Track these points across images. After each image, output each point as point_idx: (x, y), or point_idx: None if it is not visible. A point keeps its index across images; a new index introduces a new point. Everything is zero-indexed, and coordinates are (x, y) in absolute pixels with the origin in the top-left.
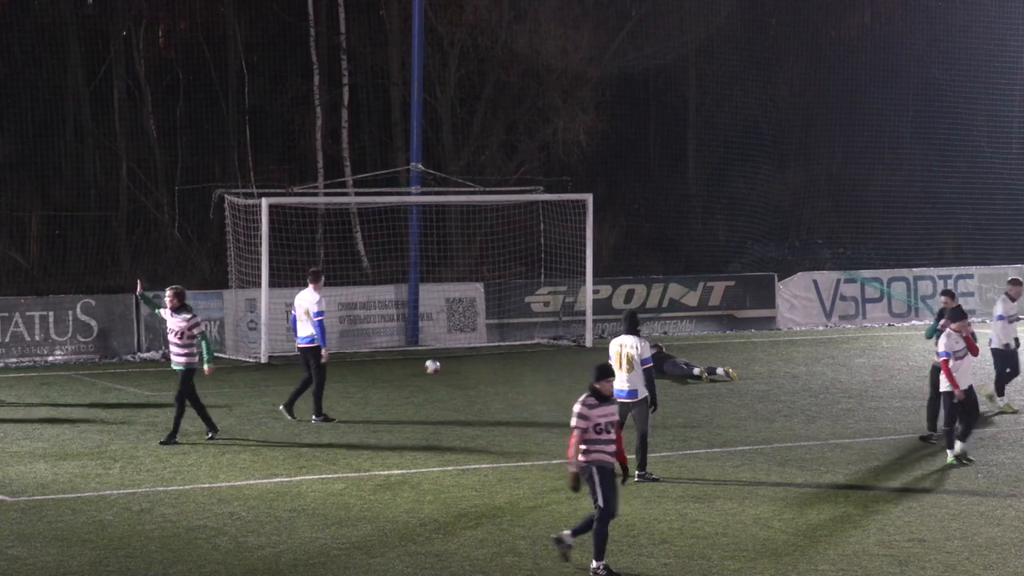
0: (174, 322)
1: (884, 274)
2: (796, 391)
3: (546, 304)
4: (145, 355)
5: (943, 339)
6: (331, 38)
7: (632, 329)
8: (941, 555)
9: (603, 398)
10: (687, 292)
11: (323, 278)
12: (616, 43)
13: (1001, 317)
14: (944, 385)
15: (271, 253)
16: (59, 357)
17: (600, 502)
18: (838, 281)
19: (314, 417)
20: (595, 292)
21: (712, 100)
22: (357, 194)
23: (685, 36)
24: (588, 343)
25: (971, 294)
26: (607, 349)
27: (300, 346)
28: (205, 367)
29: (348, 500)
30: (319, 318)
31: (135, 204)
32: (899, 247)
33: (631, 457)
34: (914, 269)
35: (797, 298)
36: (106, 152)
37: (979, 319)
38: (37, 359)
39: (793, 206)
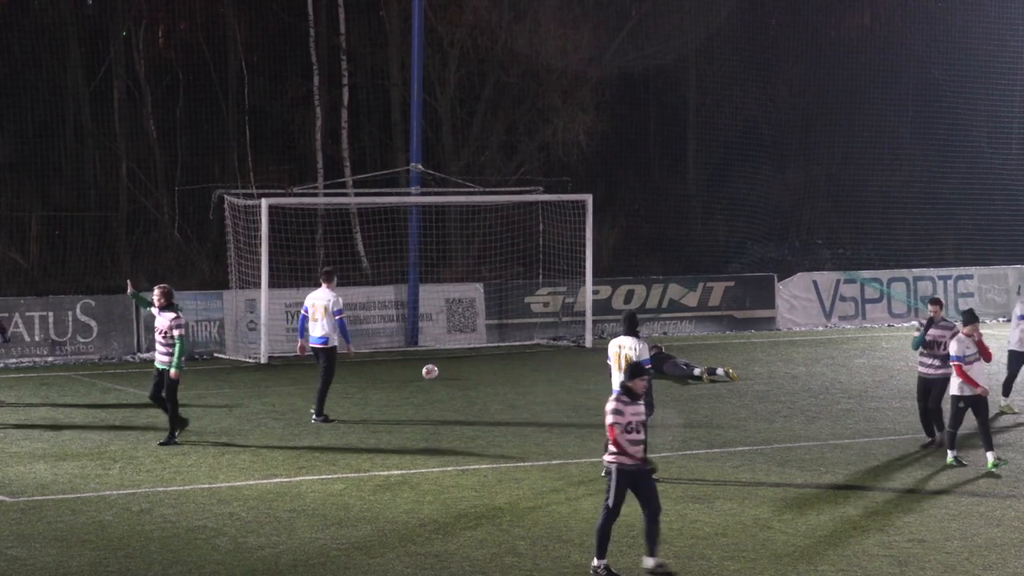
0: (160, 321)
1: (884, 275)
2: (796, 391)
3: (546, 305)
4: (145, 356)
5: (954, 343)
6: (331, 38)
7: (631, 330)
8: (941, 555)
9: (635, 396)
10: (687, 293)
11: (336, 277)
12: (616, 43)
13: (1022, 318)
14: (955, 388)
15: (271, 254)
16: (59, 358)
17: (610, 502)
18: (838, 282)
19: (314, 416)
20: (595, 293)
21: (712, 100)
22: (357, 194)
23: (685, 36)
24: (588, 344)
25: (971, 295)
26: (607, 349)
27: (313, 346)
28: (172, 371)
29: (348, 500)
30: (340, 316)
31: (135, 204)
32: (899, 248)
33: None
34: (914, 270)
35: (797, 298)
36: (106, 152)
37: (979, 320)
38: (37, 360)
39: (793, 206)
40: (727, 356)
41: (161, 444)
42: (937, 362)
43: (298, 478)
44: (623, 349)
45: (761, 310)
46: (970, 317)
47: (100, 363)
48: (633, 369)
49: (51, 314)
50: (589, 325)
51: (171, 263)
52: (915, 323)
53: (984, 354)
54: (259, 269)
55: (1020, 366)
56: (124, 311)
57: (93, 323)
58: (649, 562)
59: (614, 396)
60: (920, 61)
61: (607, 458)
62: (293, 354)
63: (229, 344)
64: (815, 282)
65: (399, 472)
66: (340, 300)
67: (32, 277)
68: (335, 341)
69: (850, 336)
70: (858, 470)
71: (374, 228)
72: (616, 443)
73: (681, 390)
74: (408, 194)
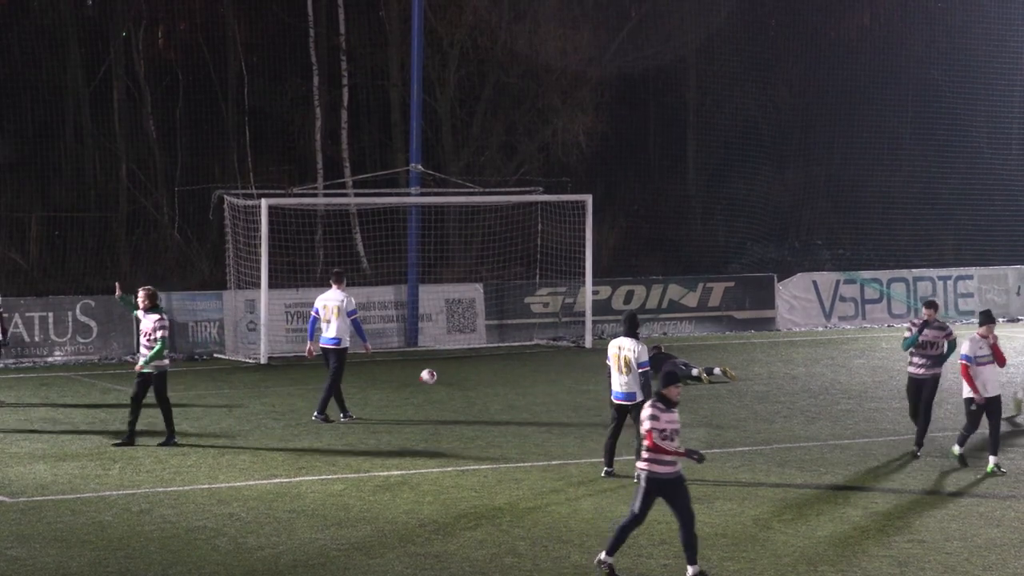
0: (145, 323)
1: (883, 275)
2: (795, 392)
3: (546, 305)
4: None
5: (966, 343)
6: (331, 39)
7: (632, 331)
8: (940, 556)
9: (670, 404)
10: (687, 293)
11: (345, 278)
12: (616, 44)
13: None
14: (967, 390)
15: (270, 254)
16: (59, 358)
17: (635, 508)
18: (837, 282)
19: (316, 414)
20: (594, 293)
21: (712, 101)
22: (356, 195)
23: (685, 37)
24: (587, 344)
25: (971, 295)
26: (607, 350)
27: (324, 346)
28: (142, 361)
29: (347, 501)
30: (354, 316)
31: (135, 205)
32: (898, 248)
33: (629, 458)
34: (913, 270)
35: (797, 299)
36: (106, 153)
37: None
38: (37, 360)
39: (792, 207)
40: (727, 356)
41: (160, 445)
42: (929, 362)
43: (298, 479)
44: (622, 351)
45: (761, 310)
46: (986, 318)
47: (100, 363)
48: (668, 376)
49: (51, 314)
50: (589, 325)
51: (171, 263)
52: (907, 324)
53: (998, 358)
54: (259, 269)
55: None
56: (123, 312)
57: (93, 323)
58: (690, 571)
59: (650, 403)
60: (920, 62)
61: (639, 464)
62: (293, 354)
63: (229, 344)
64: (815, 282)
65: (399, 472)
66: (352, 300)
67: (32, 277)
68: (347, 342)
69: (850, 336)
70: (858, 470)
71: (374, 228)
72: (655, 448)
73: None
74: (408, 194)
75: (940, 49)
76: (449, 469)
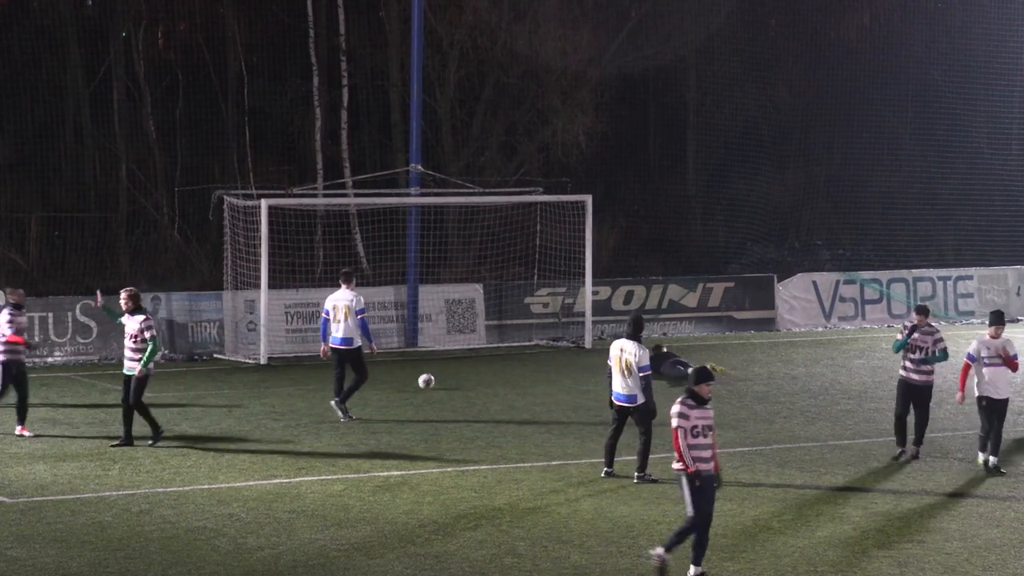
0: (130, 325)
1: (883, 275)
2: (795, 392)
3: (545, 305)
4: None
5: (973, 343)
6: (331, 39)
7: (635, 334)
8: (940, 556)
9: (701, 401)
10: (687, 293)
11: (355, 278)
12: (616, 44)
13: None
14: (981, 389)
15: (270, 254)
16: (58, 358)
17: (690, 511)
18: (837, 282)
19: (336, 399)
20: (594, 293)
21: (712, 101)
22: (356, 195)
23: (685, 37)
24: (587, 344)
25: (970, 295)
26: (606, 350)
27: (334, 347)
28: (139, 367)
29: (347, 501)
30: (362, 315)
31: (134, 205)
32: (898, 248)
33: (630, 459)
34: (913, 270)
35: (796, 299)
36: (105, 153)
37: (979, 320)
38: (36, 360)
39: (792, 207)
40: (727, 357)
41: (150, 445)
42: (921, 366)
43: (298, 479)
44: (624, 353)
45: (761, 311)
46: (996, 318)
47: (100, 364)
48: (700, 373)
49: (51, 315)
50: (589, 326)
51: (171, 264)
52: (902, 325)
53: (1009, 364)
54: (258, 270)
55: None
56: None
57: (93, 324)
58: (692, 571)
59: (680, 400)
60: (919, 62)
61: (675, 465)
62: (293, 355)
63: (228, 345)
64: (815, 283)
65: (399, 473)
66: (362, 299)
67: (32, 278)
68: (359, 341)
69: (849, 337)
70: (858, 471)
71: (374, 229)
72: (677, 449)
73: (680, 392)
74: (408, 195)
75: (940, 49)
76: (449, 469)
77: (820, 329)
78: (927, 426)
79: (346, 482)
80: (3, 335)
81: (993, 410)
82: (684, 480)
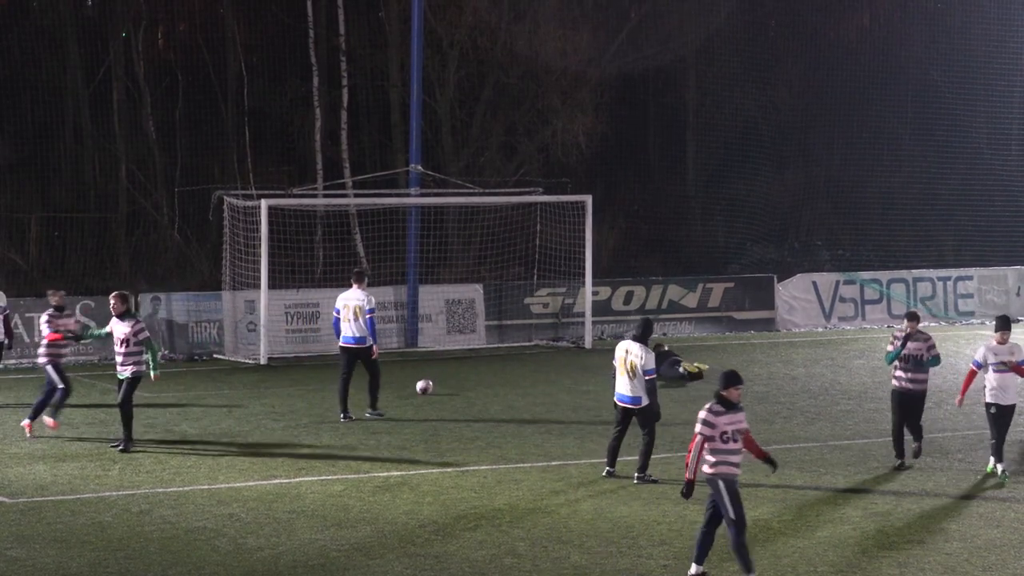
0: (120, 329)
1: (883, 275)
2: (795, 392)
3: (545, 306)
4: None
5: (980, 349)
6: (330, 40)
7: (643, 337)
8: (940, 556)
9: (730, 405)
10: (686, 293)
11: (367, 277)
12: (615, 44)
13: None
14: (988, 395)
15: (270, 255)
16: None
17: (732, 514)
18: (837, 283)
19: (369, 411)
20: (594, 294)
21: (711, 102)
22: (356, 195)
23: (684, 38)
24: (587, 345)
25: (970, 296)
26: (606, 351)
27: (346, 346)
28: (152, 374)
29: (347, 502)
30: (371, 316)
31: (134, 206)
32: (898, 249)
33: (631, 459)
34: (913, 271)
35: (796, 299)
36: (105, 154)
37: (979, 320)
38: (36, 360)
39: (792, 208)
40: (726, 357)
41: (121, 451)
42: (915, 375)
43: (297, 479)
44: (629, 355)
45: (760, 311)
46: (1002, 323)
47: (99, 364)
48: (729, 377)
49: None
50: (589, 326)
51: (170, 264)
52: (890, 336)
53: (1017, 370)
54: (258, 270)
55: None
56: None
57: (92, 324)
58: (694, 568)
59: (707, 406)
60: (919, 62)
61: (708, 470)
62: (293, 355)
63: (228, 345)
64: (814, 283)
65: (398, 473)
66: (373, 300)
67: (31, 278)
68: (370, 340)
69: (849, 337)
70: (857, 471)
71: (373, 229)
72: (689, 454)
73: (680, 392)
74: (407, 195)
75: (940, 50)
76: (449, 470)
77: (820, 329)
78: (922, 429)
79: (346, 482)
80: (44, 336)
81: (1000, 415)
82: (721, 485)
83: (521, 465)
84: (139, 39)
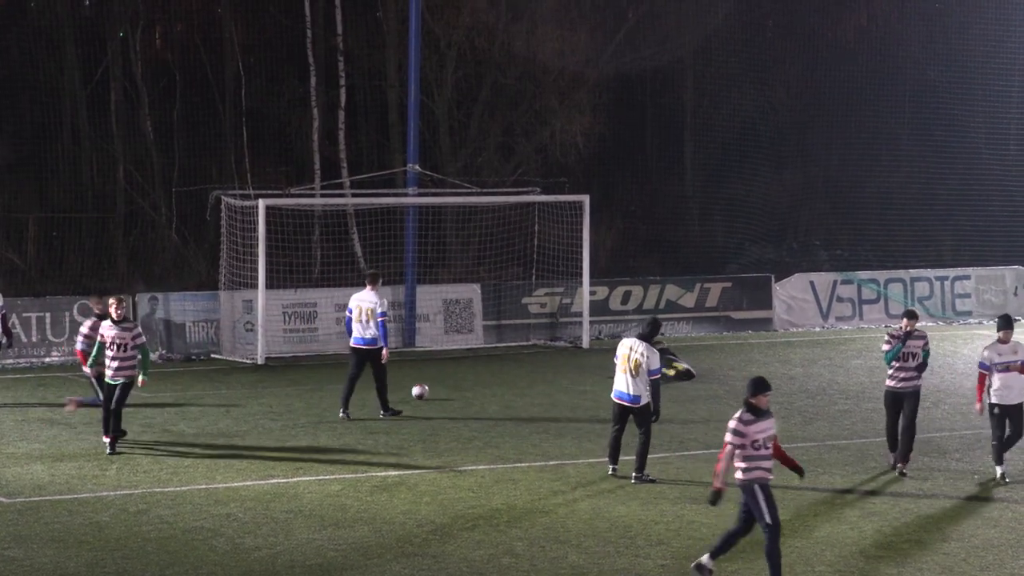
0: (117, 334)
1: (881, 275)
2: (793, 392)
3: (543, 305)
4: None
5: (984, 351)
6: (328, 40)
7: (649, 336)
8: (938, 556)
9: (759, 412)
10: (684, 293)
11: (380, 279)
12: (613, 45)
13: None
14: (993, 396)
15: (268, 255)
16: (56, 358)
17: (768, 519)
18: (835, 282)
19: (382, 413)
20: (592, 294)
21: (709, 102)
22: (354, 195)
23: (682, 38)
24: (585, 344)
25: (968, 295)
26: (604, 351)
27: (356, 347)
28: (141, 378)
29: (345, 501)
30: (382, 318)
31: (132, 206)
32: (896, 249)
33: (630, 458)
34: (911, 270)
35: (794, 299)
36: (103, 154)
37: (976, 320)
38: (34, 360)
39: (790, 208)
40: (724, 357)
41: (109, 454)
42: (910, 374)
43: (295, 479)
44: (634, 353)
45: (758, 311)
46: (1004, 323)
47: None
48: (758, 384)
49: (48, 315)
50: (586, 326)
51: (168, 264)
52: (886, 336)
53: (1021, 369)
54: (256, 270)
55: None
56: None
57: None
58: (704, 557)
59: (737, 414)
60: (917, 62)
61: (740, 477)
62: (290, 355)
63: (226, 345)
64: (812, 283)
65: (396, 473)
66: (385, 302)
67: (29, 278)
68: (381, 341)
69: (847, 337)
70: (855, 471)
71: (371, 229)
72: (718, 463)
73: (677, 391)
74: (405, 195)
75: (938, 50)
76: (446, 470)
77: (817, 329)
78: (914, 438)
79: (343, 482)
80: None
81: (1008, 416)
82: (757, 489)
83: (519, 465)
84: (137, 39)
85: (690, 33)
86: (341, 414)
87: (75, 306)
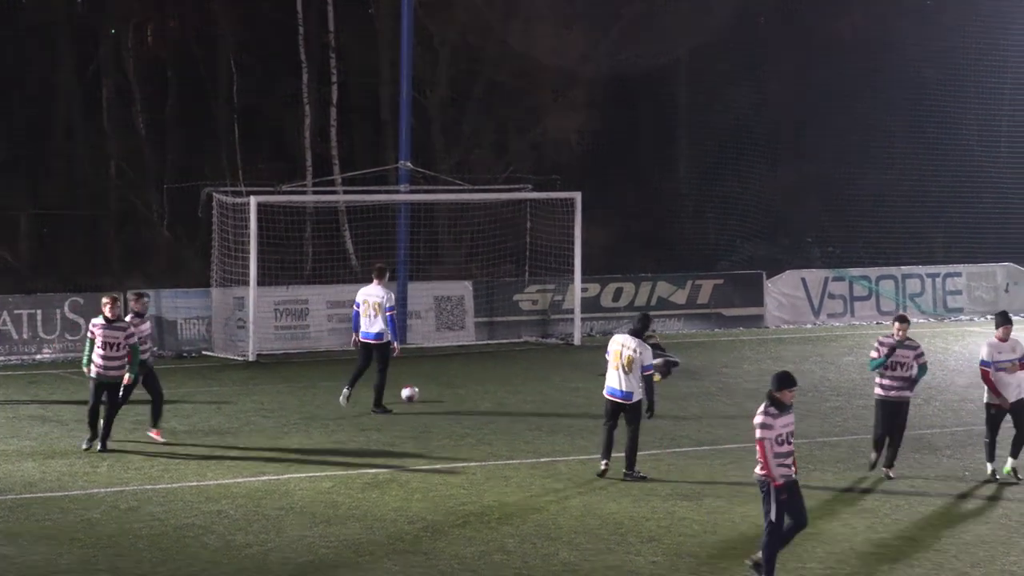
0: (112, 333)
1: (872, 272)
2: None
3: (535, 302)
4: None
5: (984, 348)
6: (321, 36)
7: (640, 332)
8: (930, 553)
9: (783, 407)
10: (675, 290)
11: (387, 273)
12: (607, 42)
13: None
14: (987, 396)
15: (259, 251)
16: (47, 355)
17: (772, 516)
18: (826, 279)
19: (373, 408)
20: (584, 290)
21: (703, 99)
22: (346, 192)
23: (677, 35)
24: (576, 341)
25: (959, 292)
26: (595, 348)
27: (365, 341)
28: (129, 376)
29: (336, 498)
30: (390, 313)
31: (124, 203)
32: (888, 246)
33: (620, 455)
34: (902, 267)
35: (786, 296)
36: (95, 151)
37: (967, 317)
38: (25, 357)
39: (783, 205)
40: (715, 354)
41: (100, 451)
42: (900, 384)
43: (287, 476)
44: (626, 349)
45: (750, 308)
46: (1002, 319)
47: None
48: (782, 379)
49: (39, 312)
50: (578, 323)
51: (161, 261)
52: (875, 343)
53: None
54: (247, 267)
55: None
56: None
57: (81, 321)
58: (760, 554)
59: (762, 408)
60: (911, 60)
61: (759, 472)
62: (282, 352)
63: (217, 342)
64: (804, 280)
65: (388, 470)
66: (392, 296)
67: (22, 275)
68: (389, 336)
69: (838, 334)
70: (847, 468)
71: (363, 226)
72: (764, 460)
73: (670, 388)
74: (397, 192)
75: (931, 48)
76: (438, 466)
77: (809, 326)
78: (900, 445)
79: (335, 479)
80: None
81: (1012, 414)
82: (772, 490)
83: (510, 462)
84: (129, 36)
85: (684, 30)
86: (345, 389)
87: (66, 303)
